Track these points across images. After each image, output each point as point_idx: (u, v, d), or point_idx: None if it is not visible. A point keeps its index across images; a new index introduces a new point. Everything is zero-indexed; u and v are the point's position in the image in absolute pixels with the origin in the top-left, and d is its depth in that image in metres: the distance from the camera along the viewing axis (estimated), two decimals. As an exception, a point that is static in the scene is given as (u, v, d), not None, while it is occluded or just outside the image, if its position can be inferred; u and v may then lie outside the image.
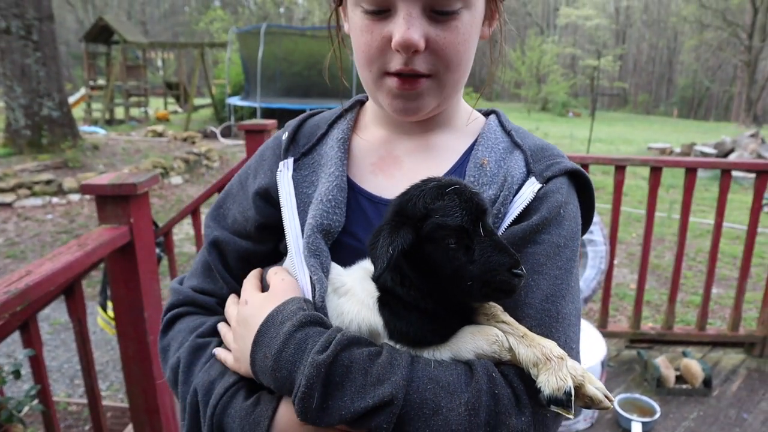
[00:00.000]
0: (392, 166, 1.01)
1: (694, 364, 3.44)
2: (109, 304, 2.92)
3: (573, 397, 0.73)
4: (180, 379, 0.95)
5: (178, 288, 1.09)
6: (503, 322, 0.82)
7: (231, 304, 0.99)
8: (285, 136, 1.05)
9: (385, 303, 0.83)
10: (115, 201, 2.04)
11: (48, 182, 8.83)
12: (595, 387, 0.76)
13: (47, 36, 10.30)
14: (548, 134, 20.28)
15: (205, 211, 3.60)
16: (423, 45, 0.84)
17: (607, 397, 0.77)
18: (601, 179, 11.11)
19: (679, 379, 3.48)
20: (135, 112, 20.43)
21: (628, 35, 56.29)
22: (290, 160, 1.02)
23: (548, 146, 1.00)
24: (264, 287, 0.95)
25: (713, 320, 4.97)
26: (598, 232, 3.05)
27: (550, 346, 0.77)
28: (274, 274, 0.93)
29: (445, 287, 0.77)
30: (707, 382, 3.40)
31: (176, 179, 10.42)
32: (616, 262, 6.55)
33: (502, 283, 0.73)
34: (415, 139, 1.02)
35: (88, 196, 8.89)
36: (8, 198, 8.42)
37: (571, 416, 0.74)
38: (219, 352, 0.94)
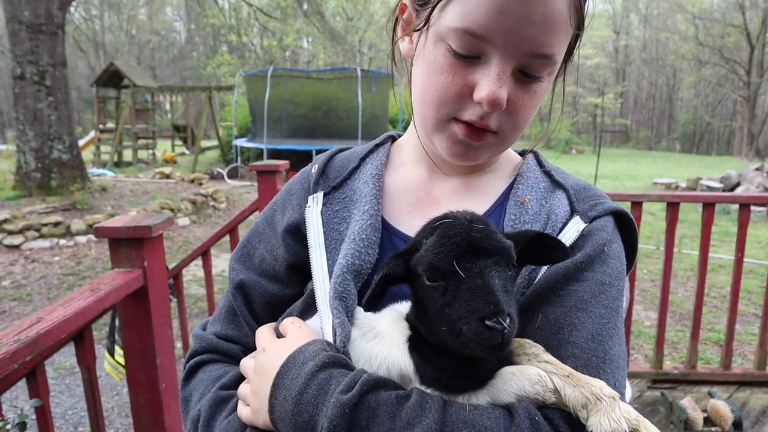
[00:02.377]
0: (430, 207, 0.97)
1: (722, 406, 3.30)
2: (117, 349, 2.85)
3: None
4: None
5: (201, 334, 1.04)
6: (546, 362, 0.75)
7: (247, 358, 0.93)
8: (314, 170, 1.02)
9: (415, 344, 0.77)
10: (129, 244, 2.00)
11: (56, 224, 8.84)
12: None
13: (60, 81, 10.52)
14: (553, 171, 20.35)
15: (215, 253, 3.55)
16: (505, 105, 0.82)
17: None
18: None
19: (707, 421, 3.34)
20: (143, 154, 20.70)
21: (627, 73, 57.15)
22: (320, 194, 0.98)
23: (590, 186, 0.98)
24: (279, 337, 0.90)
25: (733, 358, 4.83)
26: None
27: (600, 386, 0.70)
28: (290, 323, 0.88)
29: (435, 330, 0.71)
30: (737, 425, 3.25)
31: (183, 220, 10.43)
32: (631, 299, 6.49)
33: (470, 332, 0.64)
34: (454, 180, 1.00)
35: (95, 238, 8.89)
36: (17, 240, 8.42)
37: None
38: (239, 405, 0.89)
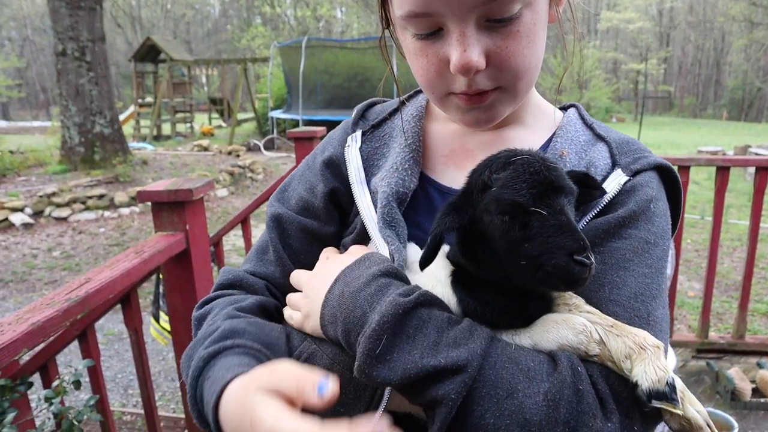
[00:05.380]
0: (464, 158, 0.97)
1: (771, 377, 3.21)
2: (162, 315, 2.93)
3: (677, 390, 0.64)
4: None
5: (231, 268, 1.03)
6: (588, 312, 0.74)
7: (298, 271, 0.94)
8: (353, 114, 1.05)
9: (459, 279, 0.78)
10: (171, 207, 2.02)
11: (100, 197, 9.12)
12: (696, 409, 0.66)
13: (99, 56, 10.73)
14: (592, 140, 19.83)
15: (253, 223, 3.60)
16: (484, 63, 0.77)
17: (709, 425, 0.65)
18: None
19: (756, 392, 3.25)
20: (181, 127, 21.04)
21: (672, 37, 54.72)
22: (358, 133, 1.01)
23: (633, 140, 0.94)
24: None
25: (784, 329, 4.67)
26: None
27: (643, 335, 0.69)
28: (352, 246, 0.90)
29: (503, 265, 0.71)
30: (787, 396, 3.16)
31: (222, 192, 10.61)
32: (675, 268, 6.29)
33: (557, 267, 0.64)
34: (489, 132, 0.98)
35: (138, 210, 9.14)
36: (64, 212, 8.73)
37: (679, 411, 0.64)
38: (285, 311, 0.91)
